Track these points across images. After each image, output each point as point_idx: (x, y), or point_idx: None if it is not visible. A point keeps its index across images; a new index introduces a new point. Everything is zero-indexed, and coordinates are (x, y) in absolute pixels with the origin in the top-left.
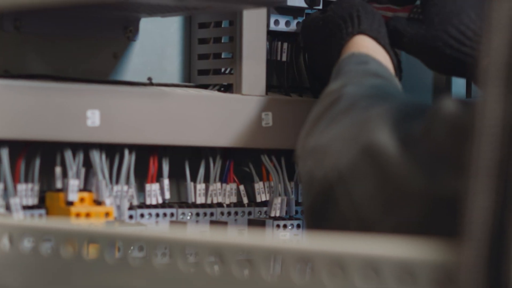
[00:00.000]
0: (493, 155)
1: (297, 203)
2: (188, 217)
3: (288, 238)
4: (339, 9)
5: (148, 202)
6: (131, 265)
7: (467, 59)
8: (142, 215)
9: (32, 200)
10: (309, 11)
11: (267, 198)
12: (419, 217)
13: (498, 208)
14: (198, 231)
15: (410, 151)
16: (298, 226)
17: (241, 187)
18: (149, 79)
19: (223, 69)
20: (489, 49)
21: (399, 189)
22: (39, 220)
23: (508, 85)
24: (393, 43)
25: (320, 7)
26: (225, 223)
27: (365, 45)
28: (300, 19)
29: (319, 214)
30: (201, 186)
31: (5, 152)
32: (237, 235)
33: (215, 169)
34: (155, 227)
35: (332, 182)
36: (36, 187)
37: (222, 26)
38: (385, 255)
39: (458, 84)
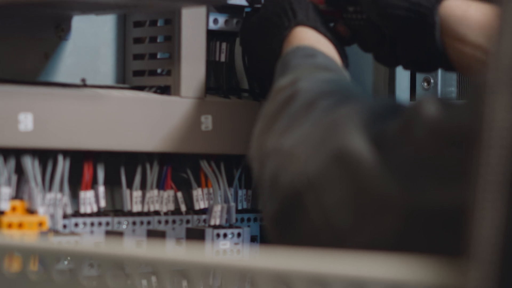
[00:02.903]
0: (503, 169)
1: (237, 211)
2: (124, 226)
3: (229, 247)
4: (271, 5)
5: (82, 210)
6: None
7: (421, 17)
8: (76, 224)
9: None
10: (249, 9)
11: (206, 206)
12: (396, 229)
13: (509, 225)
14: (156, 248)
15: (385, 155)
16: (239, 235)
17: (179, 194)
18: (83, 80)
19: (159, 70)
20: (498, 54)
21: (374, 197)
22: None
23: None
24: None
25: (260, 5)
26: (162, 232)
27: (306, 37)
28: (240, 18)
29: (285, 222)
30: (137, 193)
31: None
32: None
33: (152, 175)
34: (91, 237)
35: (300, 189)
36: None
37: (158, 25)
38: (375, 277)
39: (402, 84)
